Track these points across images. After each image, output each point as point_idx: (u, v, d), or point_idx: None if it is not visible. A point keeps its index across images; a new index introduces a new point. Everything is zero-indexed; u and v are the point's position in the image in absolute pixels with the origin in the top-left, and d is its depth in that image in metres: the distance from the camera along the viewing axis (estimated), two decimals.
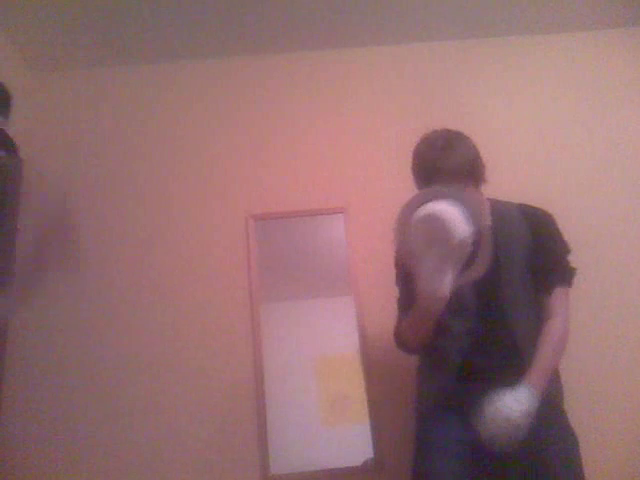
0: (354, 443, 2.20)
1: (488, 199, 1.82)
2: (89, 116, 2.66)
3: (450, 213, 1.50)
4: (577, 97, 2.69)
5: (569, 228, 1.82)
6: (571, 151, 2.58)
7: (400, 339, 1.81)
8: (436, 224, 1.49)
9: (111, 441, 2.16)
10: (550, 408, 1.64)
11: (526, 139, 2.59)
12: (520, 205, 1.84)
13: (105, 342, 2.30)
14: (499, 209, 1.81)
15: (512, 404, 1.51)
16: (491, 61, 2.75)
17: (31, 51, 2.59)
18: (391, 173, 2.53)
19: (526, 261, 1.74)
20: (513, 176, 2.40)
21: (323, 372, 2.28)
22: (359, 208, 2.47)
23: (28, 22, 2.44)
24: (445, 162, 1.71)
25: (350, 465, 2.15)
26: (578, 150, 2.58)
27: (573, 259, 1.79)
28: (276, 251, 2.44)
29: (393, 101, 2.68)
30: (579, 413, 1.78)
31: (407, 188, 2.39)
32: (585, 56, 2.76)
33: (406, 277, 1.76)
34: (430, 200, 1.55)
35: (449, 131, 1.80)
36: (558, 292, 1.73)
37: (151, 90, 2.70)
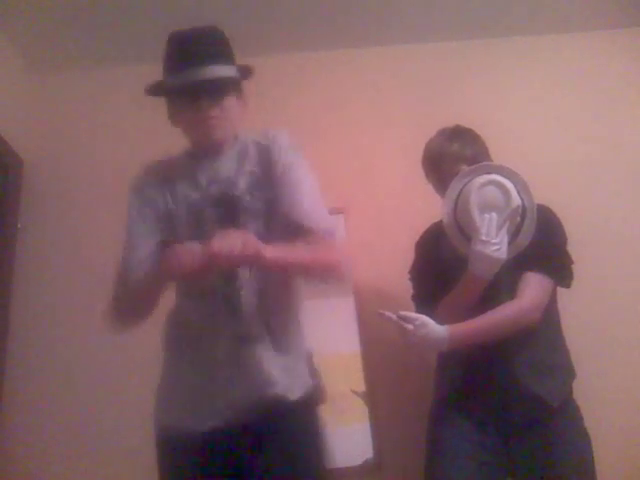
0: (354, 443, 2.20)
1: None
2: (89, 116, 2.66)
3: (507, 182, 1.67)
4: (577, 97, 2.69)
5: (568, 228, 1.82)
6: (571, 151, 2.58)
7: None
8: (496, 190, 1.65)
9: (111, 440, 2.17)
10: (564, 405, 1.66)
11: (526, 139, 2.59)
12: None
13: (105, 341, 2.30)
14: None
15: (425, 329, 1.60)
16: (491, 61, 2.75)
17: (31, 51, 2.59)
18: (391, 173, 2.54)
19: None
20: None
21: (323, 372, 2.27)
22: (359, 208, 2.47)
23: (28, 22, 2.44)
24: (449, 148, 1.82)
25: (350, 465, 2.15)
26: (578, 150, 2.58)
27: (573, 258, 1.79)
28: None
29: (393, 101, 2.68)
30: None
31: (407, 188, 2.41)
32: (585, 56, 2.76)
33: (434, 268, 1.82)
34: (484, 172, 1.71)
35: (460, 125, 1.90)
36: (530, 276, 1.69)
37: None
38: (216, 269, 1.31)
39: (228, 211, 1.44)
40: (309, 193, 1.49)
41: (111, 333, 1.53)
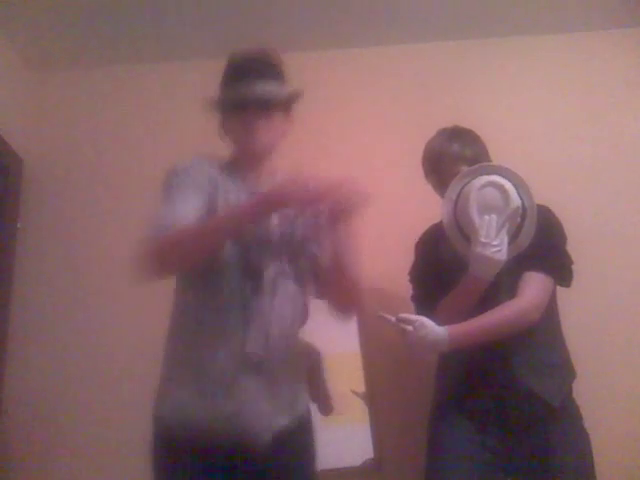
0: (354, 443, 2.20)
1: None
2: (89, 116, 2.66)
3: (507, 183, 1.67)
4: (577, 97, 2.69)
5: (568, 228, 1.83)
6: (570, 151, 2.58)
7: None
8: (496, 191, 1.64)
9: (111, 439, 2.17)
10: (564, 405, 1.66)
11: (526, 139, 2.59)
12: None
13: (106, 340, 2.31)
14: None
15: (425, 330, 1.60)
16: (491, 61, 2.75)
17: (31, 51, 2.59)
18: (391, 173, 2.53)
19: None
20: None
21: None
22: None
23: (28, 22, 2.44)
24: (449, 148, 1.81)
25: (350, 465, 2.15)
26: (578, 150, 2.58)
27: (572, 258, 1.80)
28: None
29: (393, 101, 2.68)
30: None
31: (407, 188, 2.41)
32: (585, 56, 2.76)
33: (431, 269, 1.82)
34: (484, 173, 1.70)
35: (459, 126, 1.90)
36: (530, 276, 1.69)
37: (151, 90, 2.70)
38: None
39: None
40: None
41: (137, 283, 1.48)
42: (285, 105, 1.60)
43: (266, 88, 1.54)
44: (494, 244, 1.60)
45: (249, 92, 1.53)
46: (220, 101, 1.61)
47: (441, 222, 1.79)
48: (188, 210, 1.41)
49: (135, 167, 2.57)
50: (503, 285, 1.68)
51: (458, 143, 1.83)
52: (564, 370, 1.73)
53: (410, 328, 1.61)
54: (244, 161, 1.61)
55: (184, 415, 1.41)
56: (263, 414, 1.41)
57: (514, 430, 1.65)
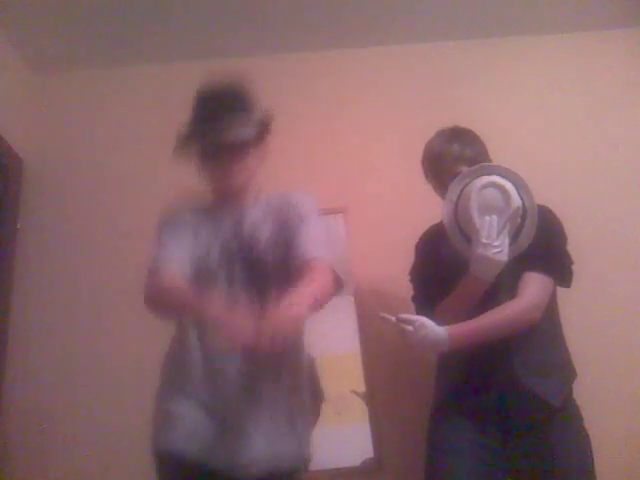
0: (354, 443, 2.20)
1: None
2: (89, 116, 2.66)
3: (508, 183, 1.67)
4: (577, 97, 2.69)
5: (568, 228, 1.82)
6: (570, 151, 2.58)
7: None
8: (496, 191, 1.64)
9: (110, 441, 2.17)
10: (564, 405, 1.66)
11: (526, 139, 2.59)
12: None
13: (106, 341, 2.30)
14: None
15: (425, 330, 1.60)
16: (491, 61, 2.75)
17: (31, 51, 2.59)
18: (391, 173, 2.54)
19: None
20: None
21: (323, 372, 2.28)
22: (359, 208, 2.47)
23: (28, 22, 2.44)
24: (449, 148, 1.81)
25: (350, 465, 2.15)
26: (577, 150, 2.59)
27: (573, 258, 1.80)
28: None
29: (393, 101, 2.68)
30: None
31: (407, 188, 2.41)
32: (585, 56, 2.76)
33: (434, 268, 1.82)
34: (484, 173, 1.70)
35: (459, 126, 1.90)
36: (530, 276, 1.69)
37: (151, 90, 2.70)
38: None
39: (253, 271, 1.57)
40: (312, 235, 1.61)
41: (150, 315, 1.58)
42: (256, 139, 1.61)
43: (233, 133, 1.53)
44: (495, 245, 1.60)
45: (217, 139, 1.54)
46: (190, 143, 1.62)
47: (441, 222, 1.79)
48: (175, 259, 1.54)
49: (135, 167, 2.57)
50: (503, 285, 1.68)
51: (457, 143, 1.83)
52: (565, 370, 1.73)
53: (410, 328, 1.61)
54: (223, 197, 1.65)
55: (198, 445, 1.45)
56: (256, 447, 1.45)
57: (514, 430, 1.65)
